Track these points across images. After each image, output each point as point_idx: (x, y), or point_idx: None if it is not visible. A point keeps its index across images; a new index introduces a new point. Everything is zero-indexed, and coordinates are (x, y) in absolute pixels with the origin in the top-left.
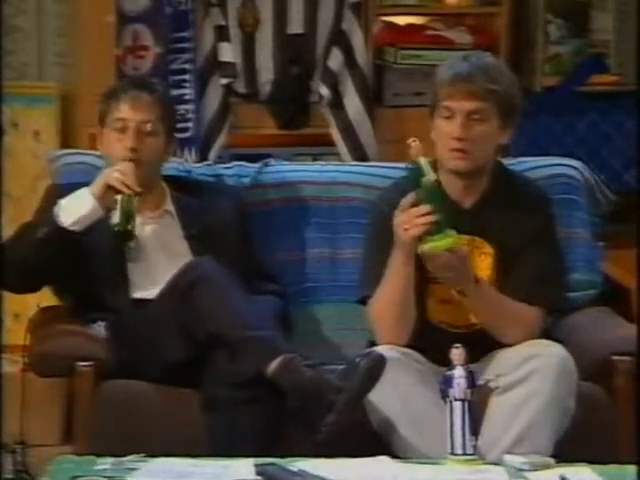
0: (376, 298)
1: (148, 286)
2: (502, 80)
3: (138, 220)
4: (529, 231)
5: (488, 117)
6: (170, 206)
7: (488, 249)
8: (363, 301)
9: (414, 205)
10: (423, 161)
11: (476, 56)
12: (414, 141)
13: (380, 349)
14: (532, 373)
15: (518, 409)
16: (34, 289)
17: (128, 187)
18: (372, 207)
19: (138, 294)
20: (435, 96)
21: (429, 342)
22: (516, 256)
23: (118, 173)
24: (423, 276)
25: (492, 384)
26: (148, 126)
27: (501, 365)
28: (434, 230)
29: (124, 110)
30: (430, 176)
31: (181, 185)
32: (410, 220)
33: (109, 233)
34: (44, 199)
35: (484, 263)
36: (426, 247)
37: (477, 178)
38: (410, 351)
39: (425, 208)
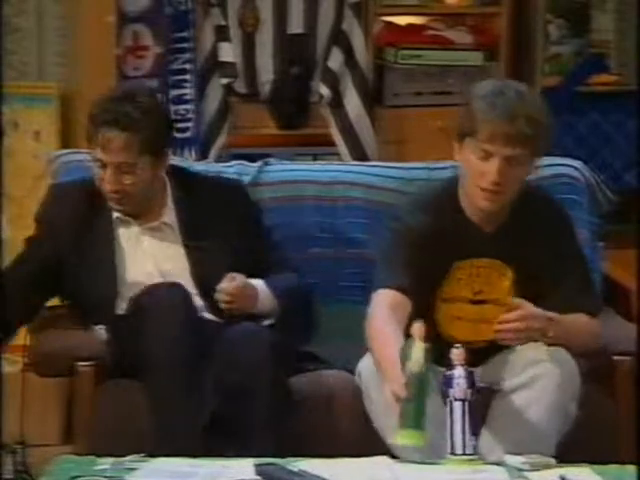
0: (372, 333)
1: None
2: (542, 122)
3: (135, 229)
4: (553, 247)
5: (526, 161)
6: (170, 217)
7: (508, 273)
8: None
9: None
10: (418, 347)
11: (515, 90)
12: (418, 322)
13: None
14: (535, 378)
15: (520, 414)
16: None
17: None
18: (397, 224)
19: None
20: (471, 127)
21: (434, 342)
22: (544, 277)
23: None
24: (433, 294)
25: (495, 387)
26: (125, 166)
27: (505, 368)
28: (409, 417)
29: (99, 152)
30: (415, 367)
31: (186, 181)
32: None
33: (98, 247)
34: (44, 202)
35: (503, 284)
36: (398, 439)
37: (503, 209)
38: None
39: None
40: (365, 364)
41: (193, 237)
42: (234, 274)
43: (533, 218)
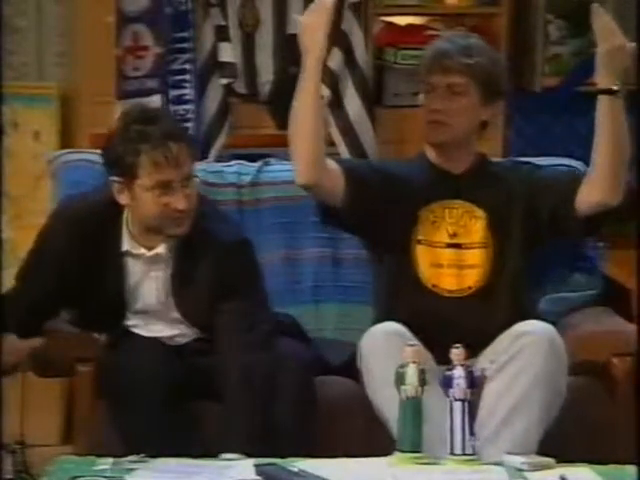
0: (291, 114)
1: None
2: (481, 56)
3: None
4: (520, 190)
5: (467, 91)
6: (164, 248)
7: (480, 213)
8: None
9: None
10: (412, 370)
11: (460, 37)
12: (412, 345)
13: (383, 324)
14: (521, 350)
15: (509, 385)
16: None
17: None
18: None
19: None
20: (421, 72)
21: (426, 309)
22: (515, 216)
23: None
24: (412, 239)
25: (488, 372)
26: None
27: (495, 350)
28: (407, 441)
29: (155, 174)
30: (410, 391)
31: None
32: None
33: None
34: (50, 231)
35: (476, 226)
36: (396, 462)
37: (462, 148)
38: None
39: None
40: (365, 341)
41: (182, 275)
42: None
43: (498, 165)
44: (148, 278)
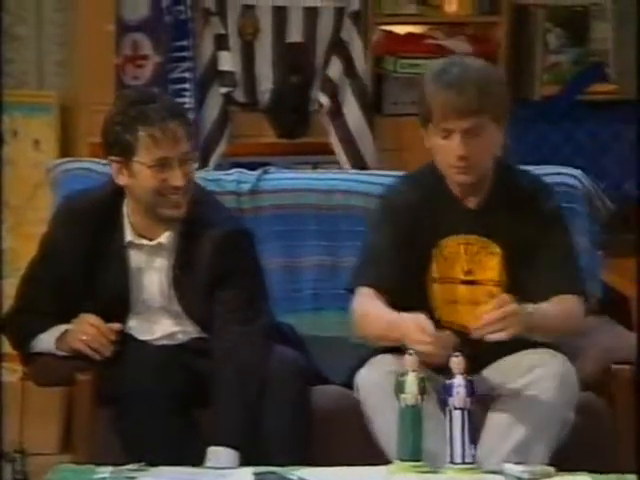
0: (365, 309)
1: (144, 329)
2: (493, 87)
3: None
4: (539, 224)
5: (485, 129)
6: (166, 238)
7: (496, 249)
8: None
9: None
10: (412, 378)
11: (460, 64)
12: (411, 354)
13: (379, 360)
14: (534, 383)
15: (518, 419)
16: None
17: (97, 351)
18: (381, 202)
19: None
20: (427, 112)
21: None
22: (531, 252)
23: (85, 336)
24: (428, 277)
25: (493, 392)
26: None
27: (504, 373)
28: (407, 450)
29: (154, 151)
30: (410, 400)
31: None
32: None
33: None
34: (53, 226)
35: (491, 263)
36: (395, 470)
37: (481, 180)
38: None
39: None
40: (362, 377)
41: (183, 267)
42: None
43: (515, 195)
44: (151, 269)
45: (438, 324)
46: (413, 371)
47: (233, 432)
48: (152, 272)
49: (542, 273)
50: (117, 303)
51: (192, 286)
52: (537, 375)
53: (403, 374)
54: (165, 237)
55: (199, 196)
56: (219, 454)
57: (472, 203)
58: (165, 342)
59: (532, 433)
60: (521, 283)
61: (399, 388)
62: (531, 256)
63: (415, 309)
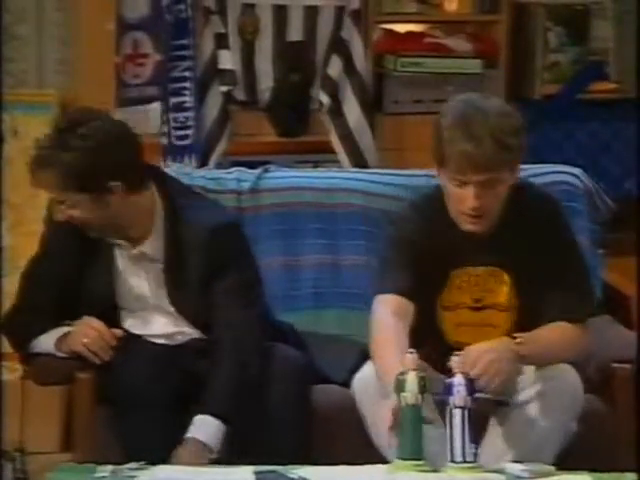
0: (381, 334)
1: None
2: (514, 141)
3: (126, 253)
4: (550, 249)
5: (500, 181)
6: (149, 246)
7: (505, 277)
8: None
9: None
10: (412, 378)
11: (481, 113)
12: (412, 352)
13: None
14: (542, 395)
15: (523, 429)
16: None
17: (96, 354)
18: (393, 227)
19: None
20: (441, 156)
21: (435, 350)
22: (538, 278)
23: (86, 338)
24: (438, 306)
25: (499, 398)
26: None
27: (514, 381)
28: (407, 449)
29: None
30: (410, 399)
31: (178, 210)
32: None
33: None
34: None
35: (501, 289)
36: (396, 469)
37: (489, 222)
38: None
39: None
40: (358, 378)
41: (173, 269)
42: None
43: (525, 219)
44: (140, 268)
45: (447, 346)
46: (413, 370)
47: (222, 403)
48: (140, 271)
49: (548, 300)
50: (105, 301)
51: (184, 286)
52: (547, 387)
53: (403, 373)
54: (147, 246)
55: (182, 194)
56: (204, 423)
57: (483, 233)
58: (164, 342)
59: (536, 446)
60: (529, 309)
61: (399, 387)
62: (539, 282)
63: (422, 330)
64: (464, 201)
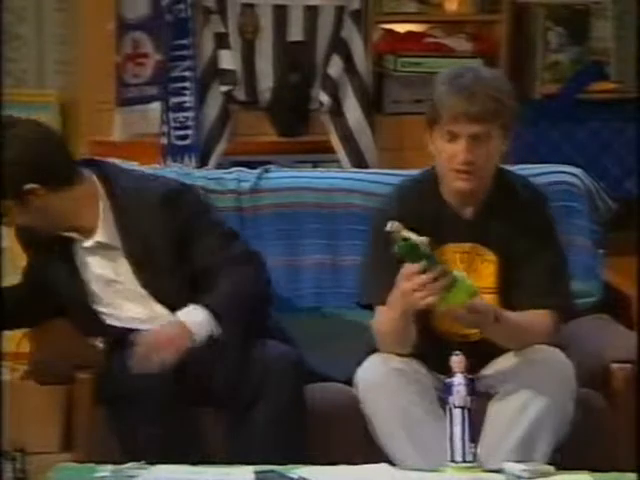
0: (377, 318)
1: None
2: (504, 97)
3: (83, 246)
4: (530, 235)
5: (491, 136)
6: (102, 234)
7: (491, 257)
8: (365, 306)
9: (422, 272)
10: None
11: (474, 71)
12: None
13: (379, 358)
14: (532, 379)
15: (518, 415)
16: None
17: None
18: (376, 215)
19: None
20: (435, 114)
21: (435, 350)
22: (520, 262)
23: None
24: None
25: (492, 390)
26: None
27: (502, 371)
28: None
29: None
30: (423, 238)
31: (120, 194)
32: (422, 287)
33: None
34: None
35: (487, 271)
36: (444, 305)
37: (482, 187)
38: (409, 360)
39: (436, 271)
40: (361, 376)
41: (134, 253)
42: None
43: (511, 205)
44: (101, 258)
45: (435, 332)
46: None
47: (217, 298)
48: (103, 260)
49: (526, 285)
50: (81, 297)
51: (150, 264)
52: (536, 371)
53: (406, 239)
54: (101, 231)
55: (124, 178)
56: (194, 310)
57: (468, 211)
58: (140, 326)
59: (533, 429)
60: (509, 292)
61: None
62: (520, 266)
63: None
64: (455, 156)
